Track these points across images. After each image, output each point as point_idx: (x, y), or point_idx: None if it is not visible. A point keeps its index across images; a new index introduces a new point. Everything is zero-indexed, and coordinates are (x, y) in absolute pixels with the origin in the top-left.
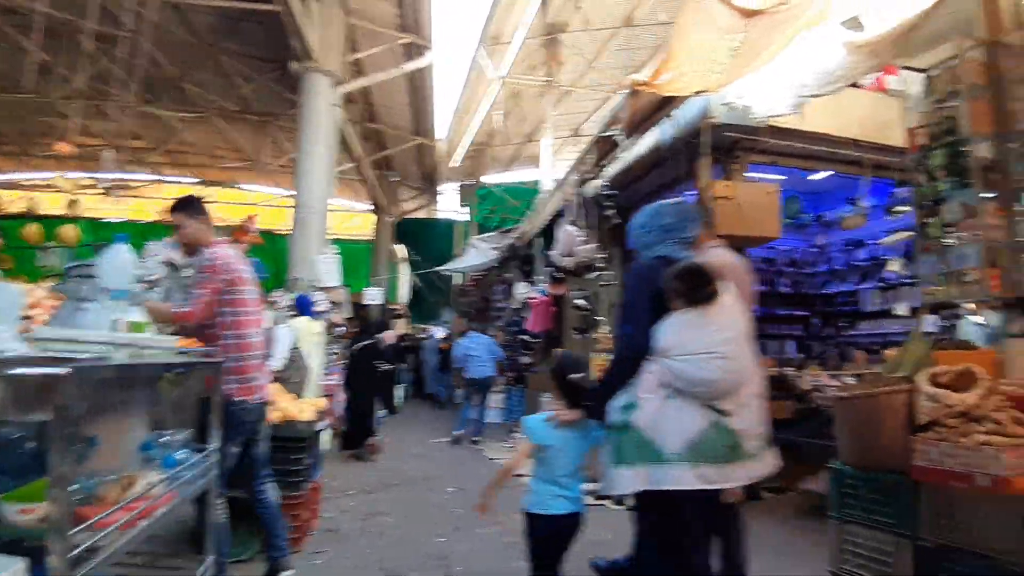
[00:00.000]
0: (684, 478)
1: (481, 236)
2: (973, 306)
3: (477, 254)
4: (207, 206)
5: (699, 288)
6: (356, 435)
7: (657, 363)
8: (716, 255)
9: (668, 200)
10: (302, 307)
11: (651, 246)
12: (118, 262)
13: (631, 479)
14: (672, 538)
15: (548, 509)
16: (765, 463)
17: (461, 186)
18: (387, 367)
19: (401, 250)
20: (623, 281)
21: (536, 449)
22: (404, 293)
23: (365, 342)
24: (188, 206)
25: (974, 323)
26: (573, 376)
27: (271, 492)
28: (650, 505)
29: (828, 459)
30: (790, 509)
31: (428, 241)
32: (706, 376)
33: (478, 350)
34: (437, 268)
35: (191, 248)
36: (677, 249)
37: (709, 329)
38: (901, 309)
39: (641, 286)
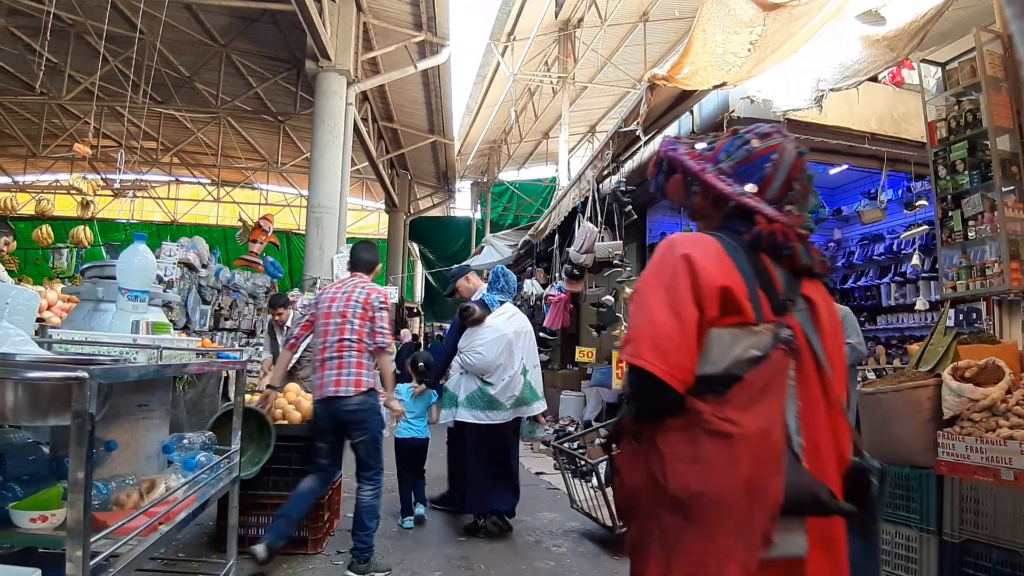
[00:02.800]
0: (465, 416)
1: (497, 234)
2: None
3: (493, 252)
4: None
5: (468, 319)
6: None
7: (459, 355)
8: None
9: (497, 268)
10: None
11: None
12: (137, 262)
13: (448, 415)
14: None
15: (402, 435)
16: (513, 413)
17: (475, 183)
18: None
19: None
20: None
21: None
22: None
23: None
24: None
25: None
26: (422, 366)
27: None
28: (456, 430)
29: None
30: None
31: (443, 239)
32: (470, 362)
33: None
34: (452, 267)
35: None
36: (493, 296)
37: (474, 339)
38: (921, 303)
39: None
